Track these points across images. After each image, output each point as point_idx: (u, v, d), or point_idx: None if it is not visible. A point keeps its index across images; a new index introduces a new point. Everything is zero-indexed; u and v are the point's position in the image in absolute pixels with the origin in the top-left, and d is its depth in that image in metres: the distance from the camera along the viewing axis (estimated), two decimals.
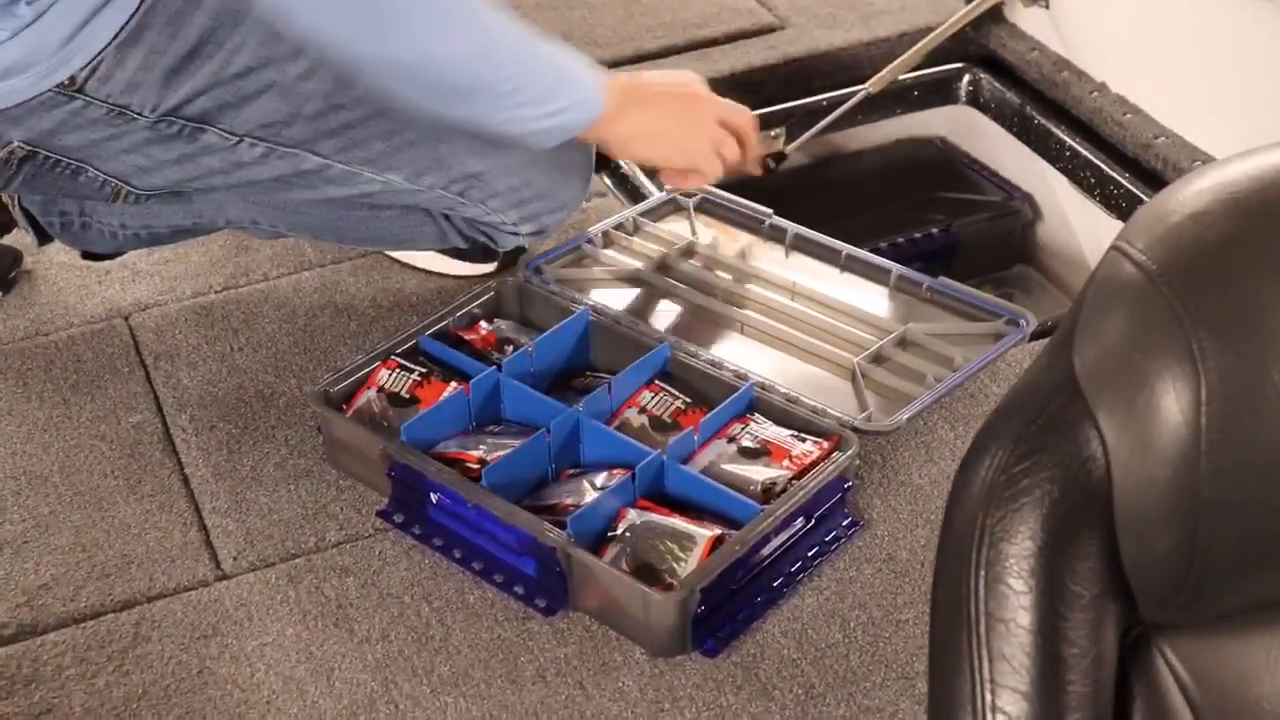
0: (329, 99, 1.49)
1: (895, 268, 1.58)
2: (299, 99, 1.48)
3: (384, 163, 1.51)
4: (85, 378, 1.56)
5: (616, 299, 1.58)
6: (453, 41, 1.30)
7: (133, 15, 1.39)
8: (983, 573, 0.95)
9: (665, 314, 1.58)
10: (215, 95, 1.43)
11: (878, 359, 1.48)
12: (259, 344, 1.60)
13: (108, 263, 1.70)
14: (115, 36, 1.38)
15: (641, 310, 1.57)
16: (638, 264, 1.62)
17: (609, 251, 1.64)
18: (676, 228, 1.69)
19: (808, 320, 1.55)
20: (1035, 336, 1.61)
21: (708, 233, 1.68)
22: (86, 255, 1.69)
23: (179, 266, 1.71)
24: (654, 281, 1.60)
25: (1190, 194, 0.97)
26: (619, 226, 1.66)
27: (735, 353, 1.51)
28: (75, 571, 1.36)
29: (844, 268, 1.62)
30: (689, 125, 1.51)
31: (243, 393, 1.54)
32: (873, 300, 1.58)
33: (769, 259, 1.64)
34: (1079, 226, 2.02)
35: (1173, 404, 0.90)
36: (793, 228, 1.66)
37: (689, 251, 1.64)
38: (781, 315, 1.56)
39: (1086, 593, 0.94)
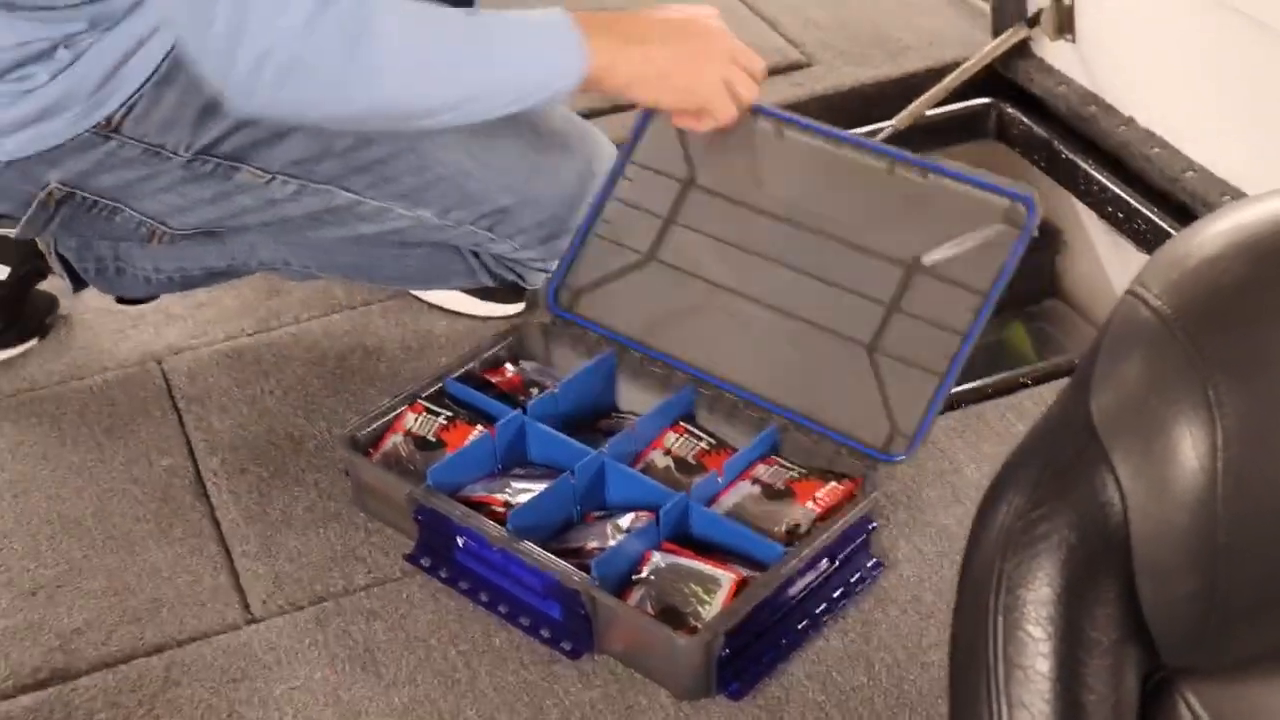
0: (360, 135, 1.51)
1: (886, 157, 1.42)
2: (330, 136, 1.50)
3: (415, 198, 1.53)
4: (119, 421, 1.58)
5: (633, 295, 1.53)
6: (424, 84, 1.30)
7: (167, 56, 1.41)
8: (1001, 619, 0.95)
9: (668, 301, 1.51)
10: (248, 133, 1.45)
11: (891, 314, 1.38)
12: (289, 387, 1.61)
13: (142, 307, 1.72)
14: (150, 77, 1.41)
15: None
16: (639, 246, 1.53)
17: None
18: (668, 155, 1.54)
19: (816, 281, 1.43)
20: (1063, 373, 1.60)
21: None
22: (122, 300, 1.71)
23: (211, 310, 1.73)
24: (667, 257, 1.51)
25: (1206, 238, 0.97)
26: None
27: (739, 346, 1.46)
28: (108, 615, 1.37)
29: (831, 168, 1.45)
30: (694, 63, 1.43)
31: (273, 436, 1.55)
32: (871, 212, 1.42)
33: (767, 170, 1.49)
34: (1108, 260, 2.02)
35: (1189, 449, 0.90)
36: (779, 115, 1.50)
37: (688, 184, 1.51)
38: (789, 282, 1.44)
39: (1105, 639, 0.94)
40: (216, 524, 1.46)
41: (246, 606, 1.37)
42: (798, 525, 1.33)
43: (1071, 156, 1.98)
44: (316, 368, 1.64)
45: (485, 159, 1.54)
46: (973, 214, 1.32)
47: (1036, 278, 2.08)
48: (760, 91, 1.47)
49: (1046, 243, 2.07)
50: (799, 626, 1.31)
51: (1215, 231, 0.96)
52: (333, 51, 1.22)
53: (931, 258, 1.35)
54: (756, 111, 1.47)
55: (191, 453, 1.54)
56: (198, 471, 1.52)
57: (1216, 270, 0.93)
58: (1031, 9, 2.03)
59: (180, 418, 1.58)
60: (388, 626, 1.34)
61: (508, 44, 1.34)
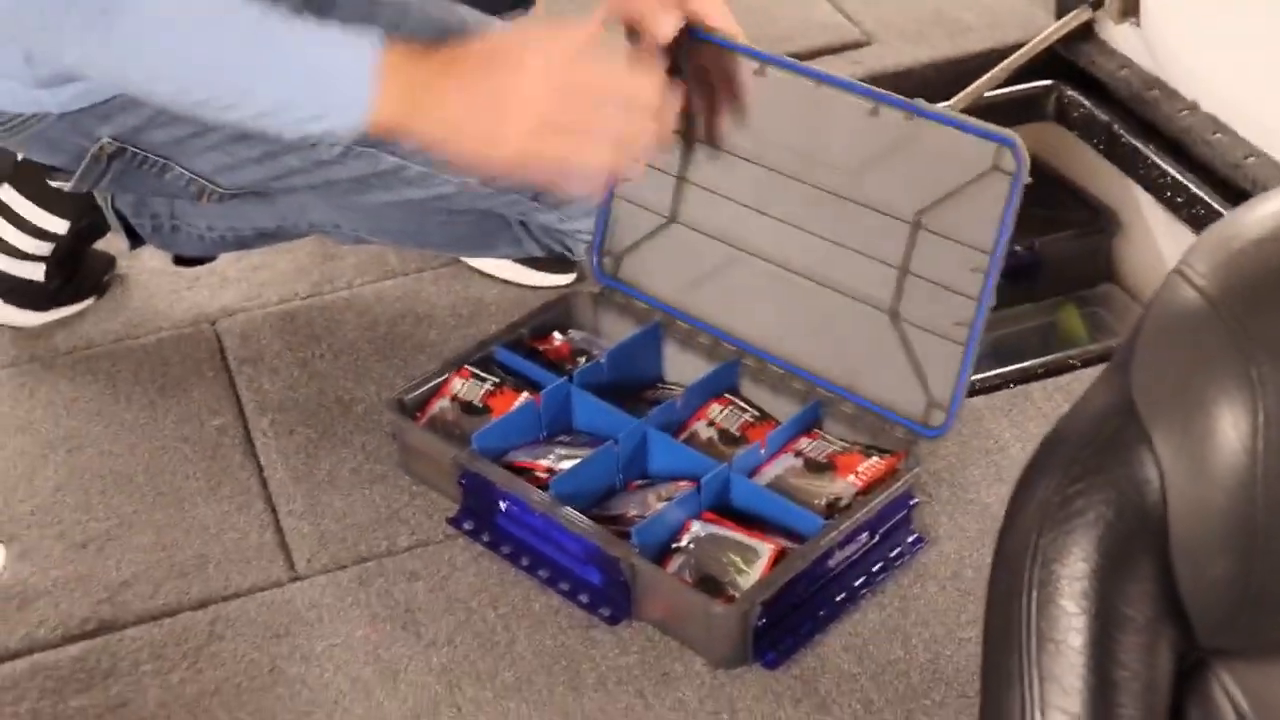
0: None
1: (869, 98, 1.35)
2: None
3: None
4: (172, 380, 1.60)
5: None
6: (179, 71, 1.18)
7: None
8: (1035, 593, 0.95)
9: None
10: None
11: (904, 277, 1.35)
12: (340, 351, 1.63)
13: (198, 269, 1.74)
14: None
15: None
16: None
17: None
18: None
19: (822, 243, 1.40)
20: (1103, 358, 1.59)
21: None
22: (178, 261, 1.73)
23: (266, 273, 1.74)
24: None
25: (1254, 220, 0.96)
26: None
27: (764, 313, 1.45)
28: (155, 570, 1.39)
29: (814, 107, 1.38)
30: (494, 110, 1.17)
31: (323, 398, 1.57)
32: (863, 158, 1.36)
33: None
34: (1165, 246, 2.00)
35: (1230, 429, 0.89)
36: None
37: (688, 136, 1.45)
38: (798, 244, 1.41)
39: (1140, 616, 0.94)
40: (264, 483, 1.47)
41: (291, 564, 1.39)
42: (838, 498, 1.33)
43: (1132, 140, 1.96)
44: (368, 332, 1.65)
45: None
46: (962, 159, 1.29)
47: (1092, 261, 2.06)
48: (649, 136, 1.21)
49: (1103, 226, 2.05)
50: (837, 599, 1.31)
51: (1263, 214, 0.96)
52: (88, 25, 1.15)
53: (932, 214, 1.32)
54: (697, 37, 1.37)
55: (242, 413, 1.56)
56: (247, 431, 1.53)
57: (1263, 252, 0.92)
58: None
59: (232, 378, 1.60)
60: (429, 588, 1.35)
61: (283, 58, 1.17)
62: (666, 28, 1.35)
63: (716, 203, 1.46)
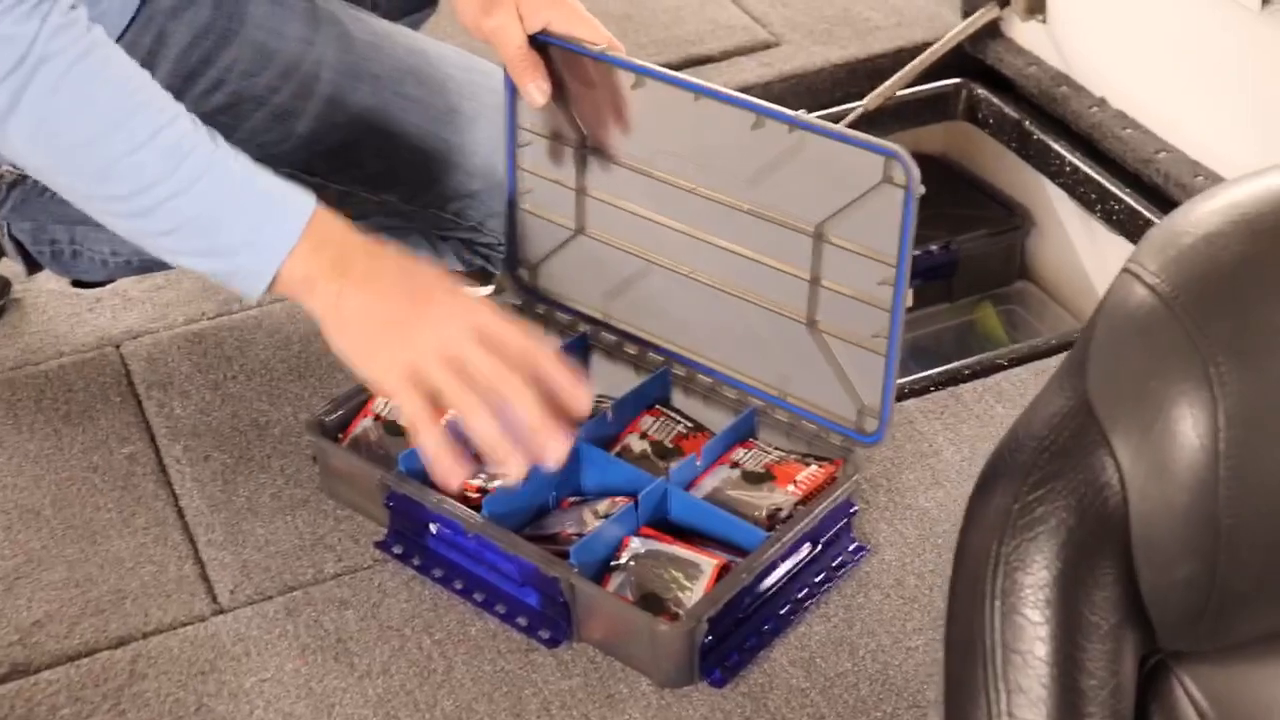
0: (322, 119, 1.47)
1: (751, 111, 1.29)
2: (291, 119, 1.46)
3: (379, 182, 1.50)
4: (77, 408, 1.54)
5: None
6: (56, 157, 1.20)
7: (120, 36, 1.38)
8: (998, 603, 0.93)
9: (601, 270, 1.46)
10: (208, 117, 1.41)
11: (815, 288, 1.31)
12: (253, 371, 1.57)
13: (98, 290, 1.67)
14: None
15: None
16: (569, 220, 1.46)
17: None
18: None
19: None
20: (1041, 355, 1.59)
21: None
22: (76, 283, 1.66)
23: (170, 293, 1.69)
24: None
25: (1201, 215, 0.95)
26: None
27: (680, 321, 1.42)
28: (69, 608, 1.33)
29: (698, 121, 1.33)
30: (386, 334, 1.16)
31: (237, 421, 1.51)
32: (753, 171, 1.32)
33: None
34: (1079, 242, 2.00)
35: (1190, 430, 0.88)
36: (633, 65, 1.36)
37: (581, 148, 1.41)
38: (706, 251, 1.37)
39: (1105, 622, 0.92)
40: (180, 512, 1.42)
41: (214, 597, 1.34)
42: (779, 509, 1.31)
43: (1043, 137, 1.96)
44: (280, 351, 1.60)
45: (454, 142, 1.51)
46: (852, 172, 1.25)
47: (1006, 259, 2.07)
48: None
49: (1017, 224, 2.05)
50: (781, 612, 1.29)
51: (1211, 209, 0.95)
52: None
53: (832, 226, 1.29)
54: (547, 43, 1.34)
55: (153, 439, 1.50)
56: (159, 459, 1.48)
57: (1215, 248, 0.91)
58: None
59: (140, 404, 1.54)
60: (360, 616, 1.31)
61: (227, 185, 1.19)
62: (516, 36, 1.34)
63: (619, 214, 1.42)
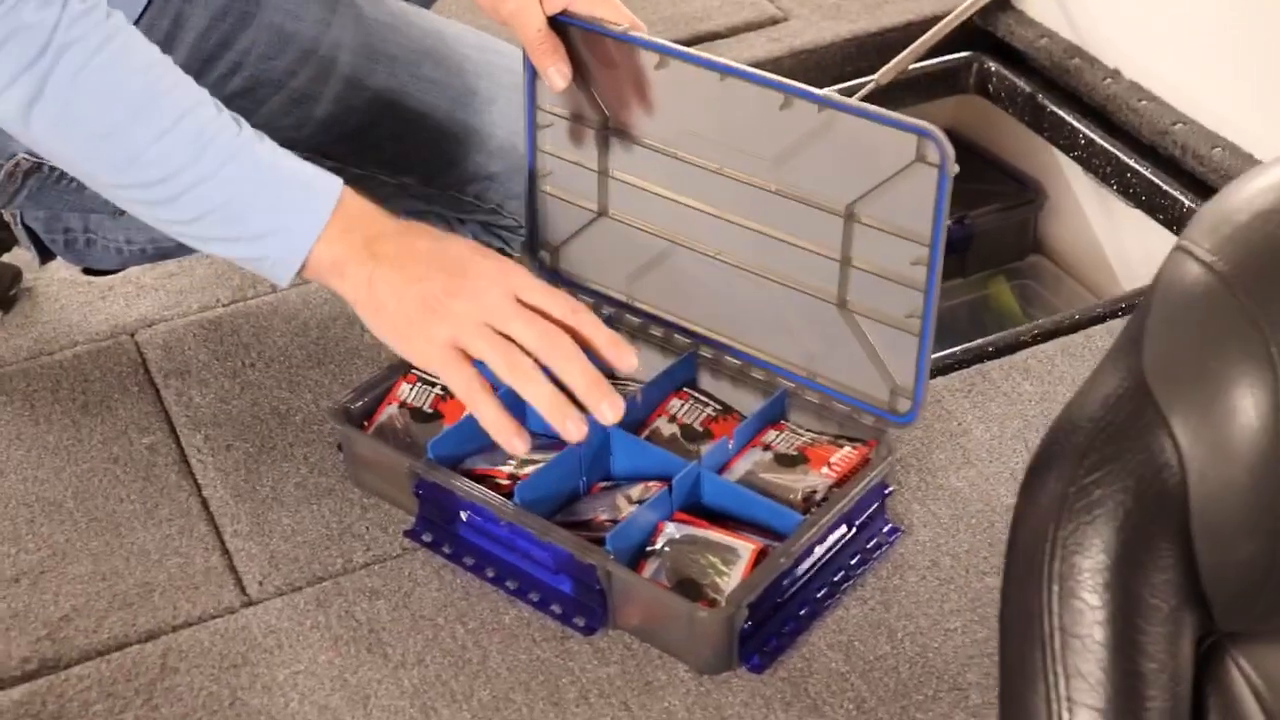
0: (340, 102, 1.45)
1: (779, 91, 1.27)
2: (309, 102, 1.44)
3: (398, 164, 1.48)
4: (94, 398, 1.52)
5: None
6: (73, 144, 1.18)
7: (137, 21, 1.36)
8: (1056, 587, 0.92)
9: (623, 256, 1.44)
10: (226, 101, 1.39)
11: (846, 268, 1.30)
12: (271, 359, 1.56)
13: (110, 278, 1.66)
14: None
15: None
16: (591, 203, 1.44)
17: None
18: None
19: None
20: (1065, 330, 1.57)
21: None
22: (88, 271, 1.64)
23: (184, 280, 1.66)
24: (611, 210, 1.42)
25: (1254, 193, 0.94)
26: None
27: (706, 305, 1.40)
28: (96, 601, 1.31)
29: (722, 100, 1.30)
30: (423, 312, 1.16)
31: (258, 410, 1.49)
32: (782, 151, 1.29)
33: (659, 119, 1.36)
34: (1094, 216, 1.99)
35: (1250, 408, 0.87)
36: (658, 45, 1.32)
37: (604, 130, 1.39)
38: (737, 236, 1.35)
39: (1164, 605, 0.91)
40: (205, 503, 1.40)
41: (242, 588, 1.32)
42: (814, 491, 1.29)
43: (1056, 110, 1.95)
44: (298, 338, 1.58)
45: (472, 124, 1.49)
46: (884, 151, 1.23)
47: (1019, 233, 2.06)
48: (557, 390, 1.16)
49: (1030, 198, 2.04)
50: (818, 596, 1.28)
51: (1264, 186, 0.93)
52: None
53: (863, 206, 1.27)
54: (570, 23, 1.32)
55: (173, 429, 1.48)
56: (181, 449, 1.46)
57: (1272, 225, 0.90)
58: None
59: (158, 393, 1.52)
60: (392, 606, 1.29)
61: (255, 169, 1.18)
62: (536, 18, 1.31)
63: (643, 196, 1.40)
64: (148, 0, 1.39)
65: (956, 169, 1.21)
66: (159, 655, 1.26)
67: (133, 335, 1.60)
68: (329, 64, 1.45)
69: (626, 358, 1.18)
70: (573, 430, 1.16)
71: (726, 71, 1.30)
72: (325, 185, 1.20)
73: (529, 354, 1.15)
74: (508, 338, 1.16)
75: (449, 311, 1.15)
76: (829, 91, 1.28)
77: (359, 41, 1.46)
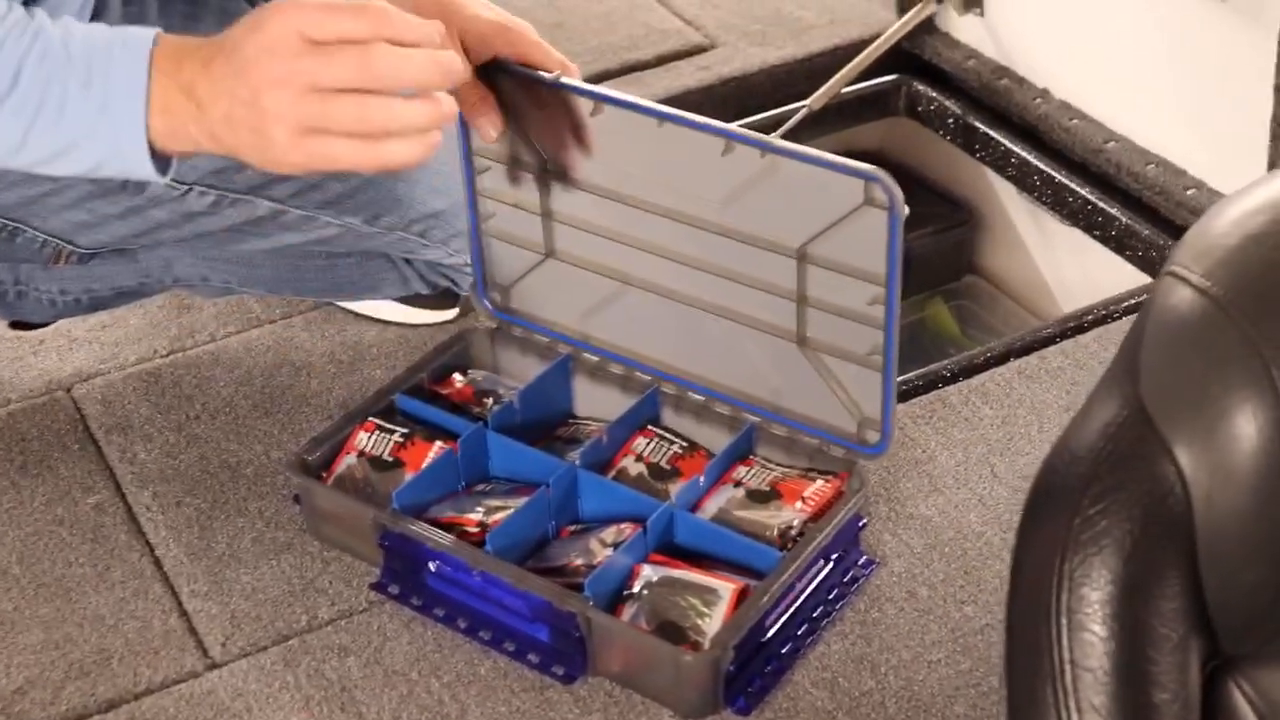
0: None
1: (721, 136, 1.25)
2: None
3: (341, 205, 1.45)
4: (33, 458, 1.47)
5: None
6: None
7: None
8: (1064, 620, 0.91)
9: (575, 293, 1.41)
10: None
11: (803, 307, 1.28)
12: (216, 410, 1.51)
13: (41, 331, 1.60)
14: None
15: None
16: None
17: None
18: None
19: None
20: (1019, 353, 1.57)
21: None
22: (16, 325, 1.59)
23: (118, 331, 1.61)
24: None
25: (1241, 216, 0.94)
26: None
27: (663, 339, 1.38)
28: (51, 671, 1.26)
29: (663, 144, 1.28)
30: (250, 95, 1.03)
31: (206, 464, 1.45)
32: (727, 195, 1.27)
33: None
34: (1028, 235, 2.00)
35: (1254, 432, 0.87)
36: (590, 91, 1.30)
37: (543, 173, 1.36)
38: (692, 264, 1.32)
39: (1174, 634, 0.91)
40: (158, 563, 1.35)
41: (205, 651, 1.28)
42: (789, 527, 1.28)
43: (987, 131, 1.96)
44: (243, 388, 1.54)
45: None
46: (831, 195, 1.21)
47: (954, 255, 2.07)
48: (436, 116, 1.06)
49: (963, 219, 2.05)
50: (798, 633, 1.26)
51: (1249, 209, 0.94)
52: None
53: (815, 247, 1.25)
54: (498, 70, 1.28)
55: (119, 487, 1.43)
56: (129, 507, 1.41)
57: (1264, 248, 0.90)
58: None
59: (100, 450, 1.47)
60: (362, 662, 1.26)
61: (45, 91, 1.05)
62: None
63: (590, 236, 1.38)
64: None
65: (906, 210, 1.20)
66: None
67: (69, 390, 1.54)
68: None
69: (446, 60, 1.06)
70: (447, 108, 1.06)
71: (664, 118, 1.27)
72: (131, 43, 1.06)
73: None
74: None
75: (270, 110, 1.02)
76: (772, 138, 1.26)
77: None
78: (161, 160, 1.08)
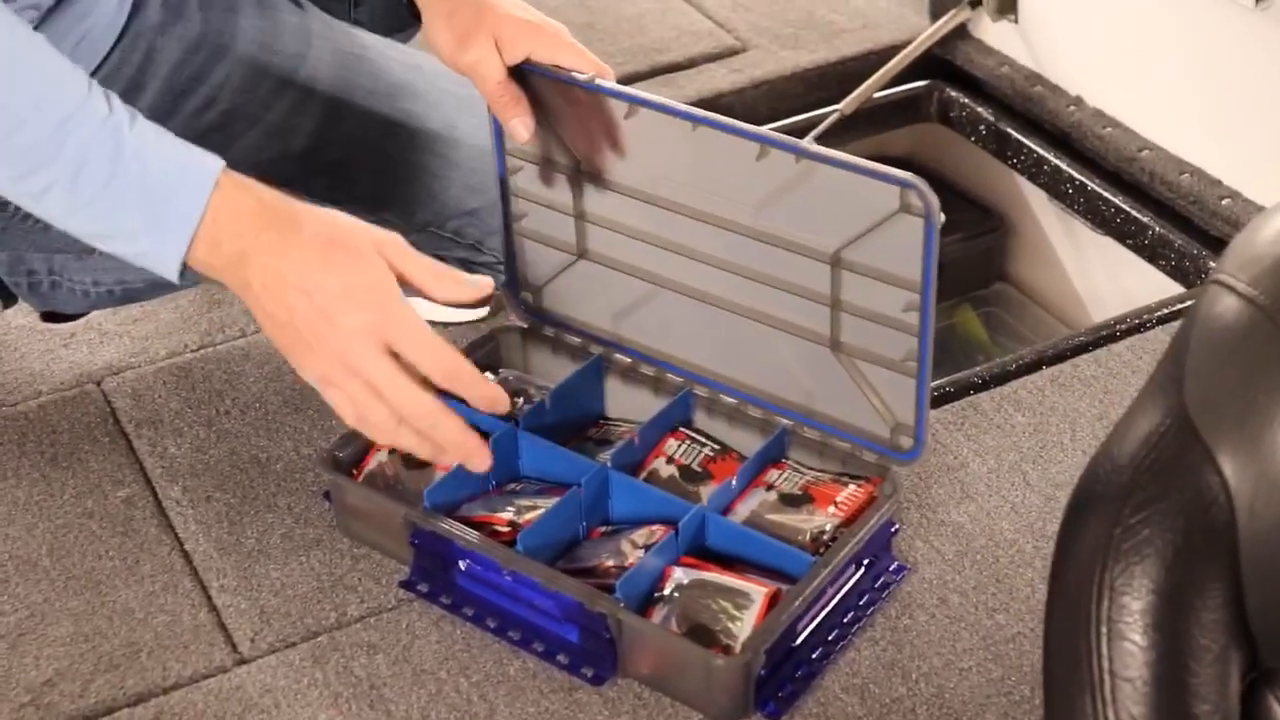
0: (317, 135, 1.42)
1: (756, 141, 1.24)
2: (286, 136, 1.41)
3: (377, 200, 1.45)
4: (63, 450, 1.47)
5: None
6: None
7: (108, 56, 1.32)
8: (1104, 629, 0.91)
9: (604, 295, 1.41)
10: (200, 135, 1.35)
11: (837, 312, 1.27)
12: (246, 405, 1.51)
13: (72, 325, 1.60)
14: (91, 76, 1.30)
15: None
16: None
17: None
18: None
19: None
20: (1050, 361, 1.56)
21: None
22: (46, 317, 1.59)
23: (148, 325, 1.61)
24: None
25: None
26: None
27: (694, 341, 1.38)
28: (80, 664, 1.26)
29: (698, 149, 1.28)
30: (308, 331, 1.12)
31: (236, 459, 1.45)
32: (763, 200, 1.27)
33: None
34: (1058, 243, 2.00)
35: None
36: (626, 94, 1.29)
37: (576, 173, 1.36)
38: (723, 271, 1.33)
39: (1215, 645, 0.90)
40: (188, 557, 1.35)
41: (234, 646, 1.27)
42: (822, 532, 1.27)
43: (1020, 137, 1.95)
44: (273, 383, 1.53)
45: (451, 158, 1.46)
46: (866, 200, 1.21)
47: (984, 262, 2.06)
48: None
49: (994, 226, 2.04)
50: (830, 638, 1.25)
51: None
52: None
53: (850, 252, 1.24)
54: (530, 72, 1.29)
55: (149, 481, 1.43)
56: (158, 501, 1.41)
57: None
58: None
59: (130, 443, 1.47)
60: (391, 660, 1.25)
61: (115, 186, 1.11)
62: (496, 70, 1.28)
63: (623, 238, 1.37)
64: (118, 35, 1.35)
65: (943, 218, 1.19)
66: (151, 718, 1.21)
67: (99, 384, 1.54)
68: (305, 97, 1.41)
69: (495, 405, 1.21)
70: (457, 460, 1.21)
71: (699, 121, 1.26)
72: (196, 175, 1.12)
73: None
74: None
75: (318, 349, 1.13)
76: (807, 141, 1.24)
77: (335, 75, 1.43)
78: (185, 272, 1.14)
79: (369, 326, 1.12)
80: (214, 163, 1.13)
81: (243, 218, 1.13)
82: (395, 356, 1.13)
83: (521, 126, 1.30)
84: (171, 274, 1.14)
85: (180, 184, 1.12)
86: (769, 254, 1.29)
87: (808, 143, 1.24)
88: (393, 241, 1.16)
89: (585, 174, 1.35)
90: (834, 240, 1.25)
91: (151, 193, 1.11)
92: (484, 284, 1.20)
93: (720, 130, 1.26)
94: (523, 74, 1.29)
